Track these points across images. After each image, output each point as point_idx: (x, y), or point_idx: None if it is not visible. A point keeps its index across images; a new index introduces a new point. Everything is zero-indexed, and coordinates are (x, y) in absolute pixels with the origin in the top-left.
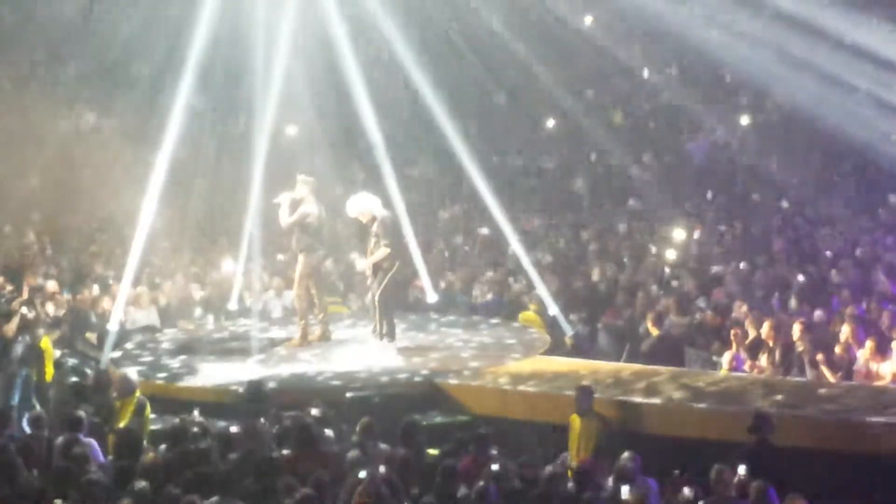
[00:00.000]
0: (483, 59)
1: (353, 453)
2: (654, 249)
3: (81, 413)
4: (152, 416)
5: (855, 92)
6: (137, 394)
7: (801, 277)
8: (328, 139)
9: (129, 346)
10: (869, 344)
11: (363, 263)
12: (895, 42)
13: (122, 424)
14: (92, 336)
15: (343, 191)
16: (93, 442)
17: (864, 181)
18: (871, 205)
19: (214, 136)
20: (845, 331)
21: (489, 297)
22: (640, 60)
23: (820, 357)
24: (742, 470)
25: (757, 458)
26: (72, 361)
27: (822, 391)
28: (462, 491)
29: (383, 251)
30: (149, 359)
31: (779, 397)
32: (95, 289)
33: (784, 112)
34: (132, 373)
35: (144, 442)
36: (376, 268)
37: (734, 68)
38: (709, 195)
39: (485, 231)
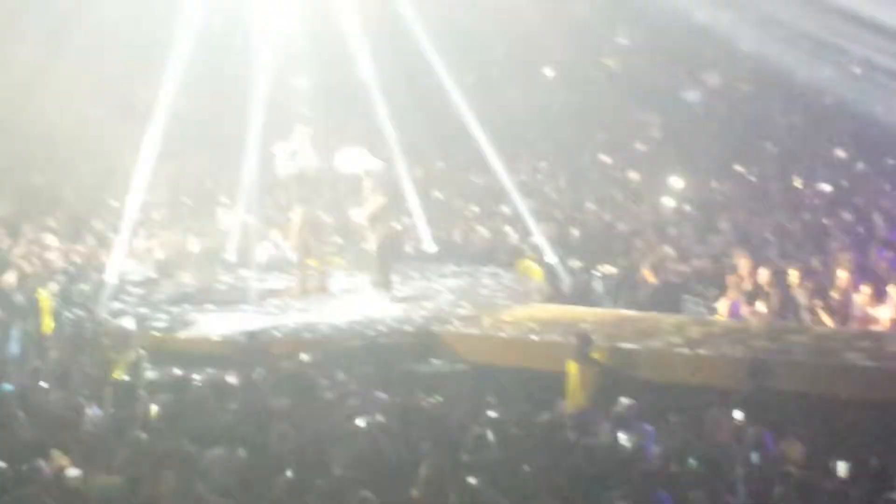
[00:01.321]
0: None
1: (351, 402)
2: (652, 197)
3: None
4: (149, 367)
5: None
6: (135, 346)
7: (797, 225)
8: (326, 91)
9: (126, 298)
10: (865, 289)
11: (361, 214)
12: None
13: (117, 376)
14: (90, 288)
15: (339, 144)
16: None
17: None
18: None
19: (211, 85)
20: (842, 276)
21: (487, 245)
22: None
23: (817, 303)
24: (738, 415)
25: (755, 404)
26: (70, 314)
27: (820, 336)
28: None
29: (380, 201)
30: (146, 311)
31: (776, 343)
32: (93, 241)
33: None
34: (129, 324)
35: (142, 393)
36: (373, 219)
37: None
38: (708, 142)
39: (480, 180)
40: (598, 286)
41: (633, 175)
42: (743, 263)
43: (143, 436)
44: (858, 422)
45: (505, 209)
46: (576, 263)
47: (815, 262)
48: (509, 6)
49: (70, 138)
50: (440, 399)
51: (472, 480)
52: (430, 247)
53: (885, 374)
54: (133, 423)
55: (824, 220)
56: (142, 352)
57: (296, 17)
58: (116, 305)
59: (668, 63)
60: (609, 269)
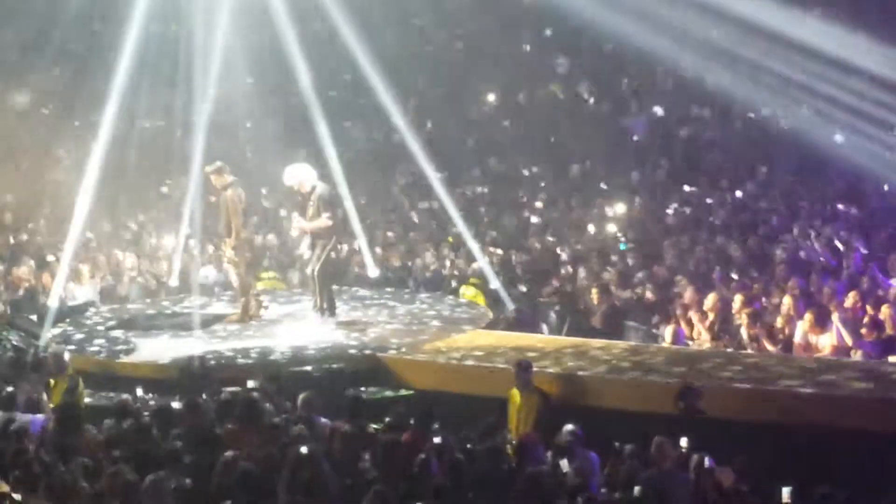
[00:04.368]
0: (424, 31)
1: (296, 428)
2: (595, 224)
3: (12, 390)
4: (90, 392)
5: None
6: (70, 372)
7: (740, 251)
8: (269, 114)
9: (69, 322)
10: (808, 316)
11: (301, 223)
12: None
13: (59, 401)
14: (31, 312)
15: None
16: (33, 418)
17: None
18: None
19: (153, 111)
20: (786, 303)
21: (430, 270)
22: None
23: (760, 329)
24: (684, 442)
25: (699, 431)
26: (11, 338)
27: (762, 363)
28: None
29: (324, 221)
30: (89, 335)
31: (720, 369)
32: (34, 265)
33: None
34: (63, 351)
35: (84, 419)
36: (315, 241)
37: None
38: (649, 168)
39: (426, 205)
40: (541, 312)
41: (576, 201)
42: (687, 290)
43: (87, 462)
44: (804, 448)
45: (449, 233)
46: (519, 289)
47: (759, 289)
48: (453, 32)
49: (8, 161)
50: (385, 425)
51: None
52: (372, 271)
53: (828, 401)
54: (76, 450)
55: (768, 247)
56: (77, 378)
57: (238, 34)
58: (58, 330)
59: (607, 89)
60: (552, 295)
